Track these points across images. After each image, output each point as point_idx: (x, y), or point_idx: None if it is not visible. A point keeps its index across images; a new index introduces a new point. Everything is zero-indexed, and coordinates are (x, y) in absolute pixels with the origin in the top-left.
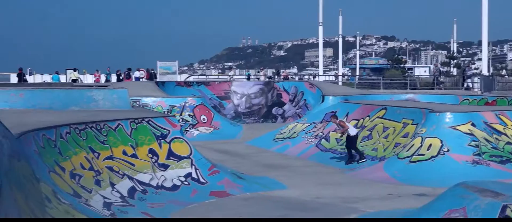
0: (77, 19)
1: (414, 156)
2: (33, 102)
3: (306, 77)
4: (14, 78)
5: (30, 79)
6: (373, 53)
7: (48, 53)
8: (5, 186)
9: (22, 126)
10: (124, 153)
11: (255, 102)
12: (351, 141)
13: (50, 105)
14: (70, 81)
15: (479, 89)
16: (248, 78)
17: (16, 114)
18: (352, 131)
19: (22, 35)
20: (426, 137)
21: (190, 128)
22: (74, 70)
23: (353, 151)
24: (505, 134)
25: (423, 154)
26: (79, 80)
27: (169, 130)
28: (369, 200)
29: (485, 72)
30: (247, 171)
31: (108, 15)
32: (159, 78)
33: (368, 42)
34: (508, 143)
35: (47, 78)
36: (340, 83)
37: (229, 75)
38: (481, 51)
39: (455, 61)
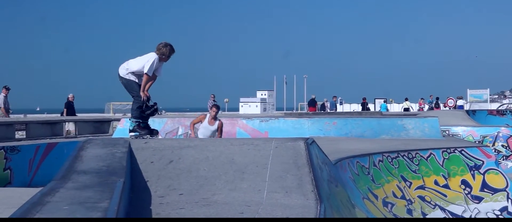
0: (391, 46)
1: None
2: (345, 130)
3: None
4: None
5: (339, 108)
6: None
7: (355, 82)
8: (328, 210)
9: (337, 153)
10: (436, 183)
11: None
12: None
13: (362, 133)
14: (402, 110)
15: None
16: None
17: (330, 142)
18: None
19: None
20: None
21: (503, 160)
22: (406, 99)
23: None
24: None
25: None
26: (410, 108)
27: (483, 161)
28: None
29: None
30: None
31: (412, 41)
32: (469, 106)
33: None
34: None
35: (355, 107)
36: None
37: None
38: None
39: None
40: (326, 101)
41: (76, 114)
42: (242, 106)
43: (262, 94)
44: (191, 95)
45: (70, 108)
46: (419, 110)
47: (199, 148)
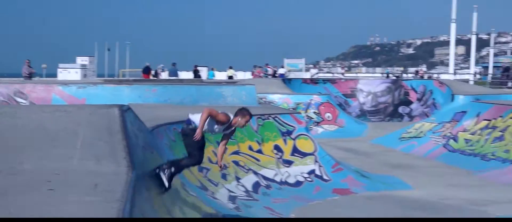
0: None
1: None
2: (165, 97)
3: (435, 75)
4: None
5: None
6: (509, 51)
7: (184, 51)
8: (140, 177)
9: (155, 120)
10: (250, 148)
11: (381, 100)
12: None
13: (181, 100)
14: (227, 78)
15: None
16: (387, 77)
17: (149, 109)
18: None
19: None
20: None
21: (314, 126)
22: (230, 67)
23: None
24: None
25: None
26: (234, 76)
27: (294, 127)
28: (500, 203)
29: None
30: (371, 170)
31: (236, 13)
32: (285, 75)
33: (503, 39)
34: None
35: (189, 75)
36: (471, 82)
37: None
38: None
39: None
40: (160, 69)
41: None
42: (61, 72)
43: (82, 60)
44: (4, 60)
45: None
46: (253, 77)
47: (7, 115)
